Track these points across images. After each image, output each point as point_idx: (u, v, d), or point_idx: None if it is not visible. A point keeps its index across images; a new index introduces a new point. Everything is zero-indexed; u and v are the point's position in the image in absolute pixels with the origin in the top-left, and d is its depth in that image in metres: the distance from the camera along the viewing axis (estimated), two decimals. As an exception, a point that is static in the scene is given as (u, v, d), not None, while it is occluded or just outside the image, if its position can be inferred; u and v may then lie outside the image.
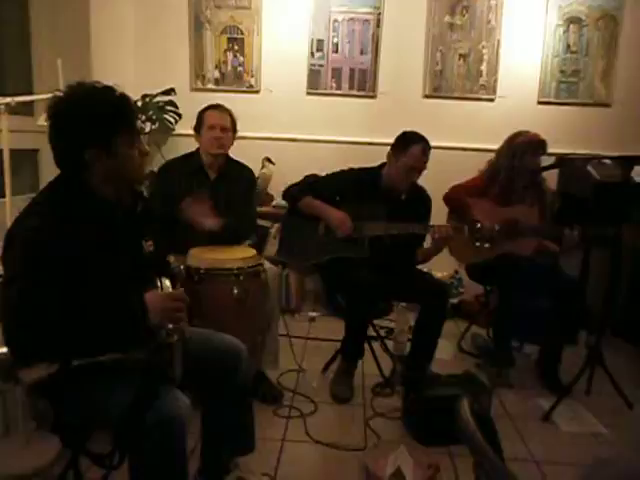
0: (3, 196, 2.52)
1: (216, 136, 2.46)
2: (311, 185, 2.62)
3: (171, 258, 1.97)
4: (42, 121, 2.19)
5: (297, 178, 2.69)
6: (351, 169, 2.67)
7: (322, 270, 2.66)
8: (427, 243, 2.68)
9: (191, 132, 2.59)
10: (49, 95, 2.15)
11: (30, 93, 3.00)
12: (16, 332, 1.17)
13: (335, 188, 2.57)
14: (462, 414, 0.84)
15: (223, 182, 2.53)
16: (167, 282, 1.36)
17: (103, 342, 1.25)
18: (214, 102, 2.60)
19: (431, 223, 2.63)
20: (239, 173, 2.60)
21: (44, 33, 3.13)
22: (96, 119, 1.31)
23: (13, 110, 2.26)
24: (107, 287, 1.30)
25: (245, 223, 2.56)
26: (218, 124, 2.47)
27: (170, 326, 1.26)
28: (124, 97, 1.39)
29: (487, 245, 2.39)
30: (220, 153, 2.50)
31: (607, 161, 3.22)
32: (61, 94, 1.35)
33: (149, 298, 1.27)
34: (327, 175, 2.66)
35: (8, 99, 2.02)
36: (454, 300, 3.80)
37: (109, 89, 1.37)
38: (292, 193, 2.64)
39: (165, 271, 1.52)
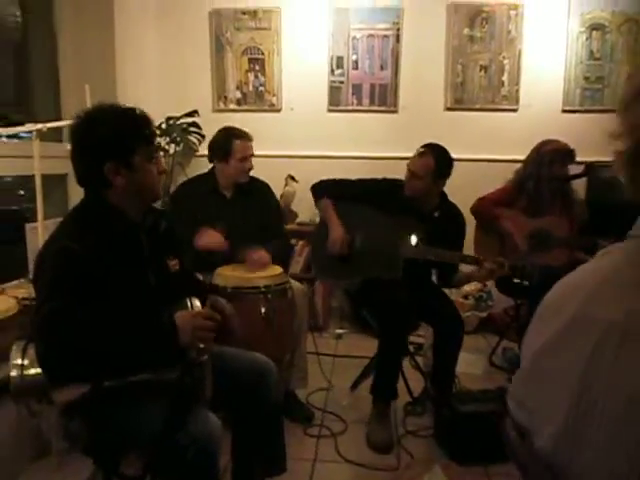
0: (34, 220, 2.58)
1: (248, 167, 2.51)
2: (338, 188, 2.55)
3: (199, 277, 1.98)
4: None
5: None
6: (384, 178, 2.61)
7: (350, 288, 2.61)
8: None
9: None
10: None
11: (58, 119, 3.08)
12: (49, 352, 1.18)
13: (363, 194, 2.51)
14: (507, 430, 0.81)
15: (239, 199, 2.55)
16: (197, 302, 1.36)
17: (134, 362, 1.25)
18: (236, 122, 2.63)
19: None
20: (254, 188, 2.60)
21: (71, 61, 3.21)
22: (115, 134, 1.35)
23: (43, 136, 2.32)
24: (137, 306, 1.30)
25: (286, 241, 2.61)
26: (249, 155, 2.51)
27: (201, 345, 1.26)
28: (143, 114, 1.41)
29: (526, 283, 2.29)
30: (247, 179, 2.55)
31: (637, 168, 3.15)
32: (82, 114, 1.39)
33: (179, 317, 1.27)
34: (357, 180, 2.60)
35: (39, 125, 2.07)
36: (483, 314, 3.74)
37: (128, 108, 1.41)
38: (317, 190, 2.59)
39: (194, 290, 1.52)
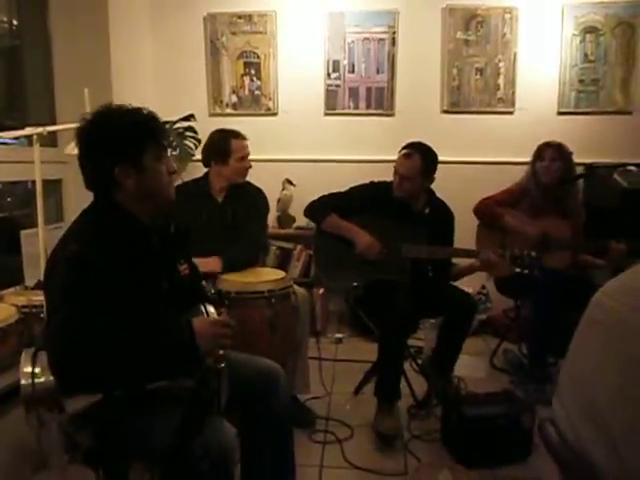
0: (28, 227, 2.54)
1: (247, 166, 2.52)
2: (333, 202, 2.56)
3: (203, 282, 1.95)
4: (69, 150, 2.22)
5: (318, 198, 2.66)
6: (372, 182, 2.63)
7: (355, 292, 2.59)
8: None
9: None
10: (77, 124, 2.18)
11: (53, 124, 3.03)
12: (62, 361, 1.14)
13: (356, 202, 2.53)
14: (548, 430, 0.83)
15: (230, 203, 2.53)
16: (211, 309, 1.34)
17: (151, 370, 1.22)
18: (232, 126, 2.61)
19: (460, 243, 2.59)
20: (247, 193, 2.57)
21: (66, 66, 3.17)
22: (124, 135, 1.32)
23: (39, 141, 2.28)
24: (149, 311, 1.27)
25: (250, 248, 2.48)
26: (247, 154, 2.51)
27: (221, 352, 1.24)
28: (151, 115, 1.39)
29: (526, 271, 2.33)
30: (244, 180, 2.55)
31: (632, 168, 3.18)
32: (89, 116, 1.36)
33: (197, 323, 1.25)
34: (347, 190, 2.61)
35: (40, 129, 2.03)
36: (482, 316, 3.73)
37: (136, 108, 1.39)
38: (315, 211, 2.59)
39: (202, 296, 1.50)
